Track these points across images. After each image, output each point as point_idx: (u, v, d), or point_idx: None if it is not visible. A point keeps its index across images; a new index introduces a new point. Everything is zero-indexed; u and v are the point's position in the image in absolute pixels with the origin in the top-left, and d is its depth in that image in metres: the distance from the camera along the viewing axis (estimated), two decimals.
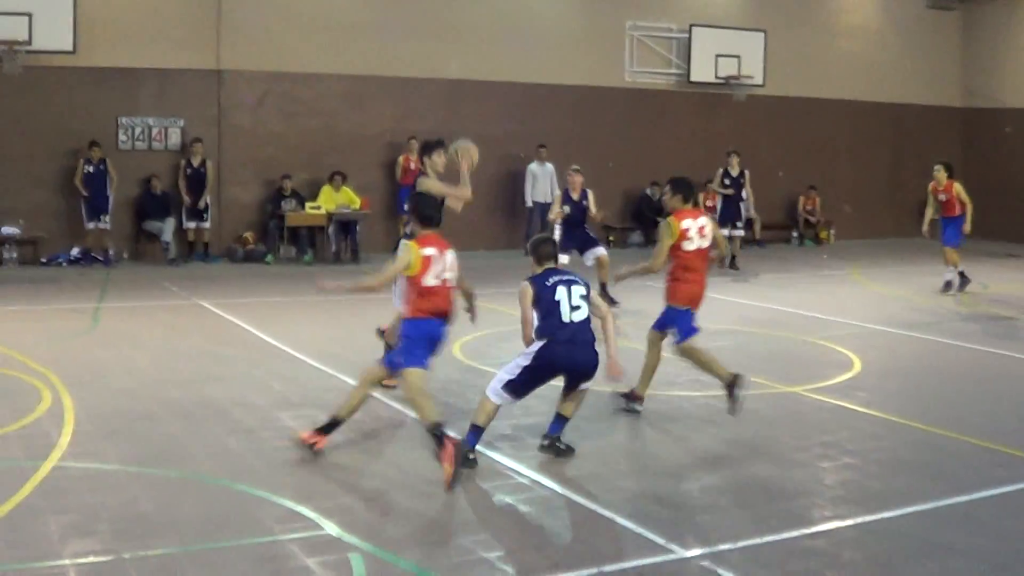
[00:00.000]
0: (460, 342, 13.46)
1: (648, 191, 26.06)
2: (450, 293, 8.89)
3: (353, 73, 23.58)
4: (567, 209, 17.27)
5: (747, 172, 23.34)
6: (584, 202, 17.51)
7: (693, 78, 26.69)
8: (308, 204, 22.61)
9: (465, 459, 8.40)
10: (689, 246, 10.21)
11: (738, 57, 26.81)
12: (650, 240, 25.84)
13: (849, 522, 7.81)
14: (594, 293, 9.04)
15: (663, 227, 10.32)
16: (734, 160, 23.13)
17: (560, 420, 9.16)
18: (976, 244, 28.09)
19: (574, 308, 8.72)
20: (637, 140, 26.34)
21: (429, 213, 9.05)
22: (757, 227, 26.81)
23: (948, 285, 19.34)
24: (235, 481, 8.41)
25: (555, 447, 9.10)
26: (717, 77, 26.79)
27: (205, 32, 22.35)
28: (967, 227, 19.04)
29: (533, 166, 24.27)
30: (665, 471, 9.10)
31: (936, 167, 19.81)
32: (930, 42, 31.33)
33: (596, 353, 8.80)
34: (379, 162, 23.71)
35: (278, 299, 11.63)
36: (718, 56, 26.65)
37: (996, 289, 20.63)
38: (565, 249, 16.53)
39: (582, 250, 17.23)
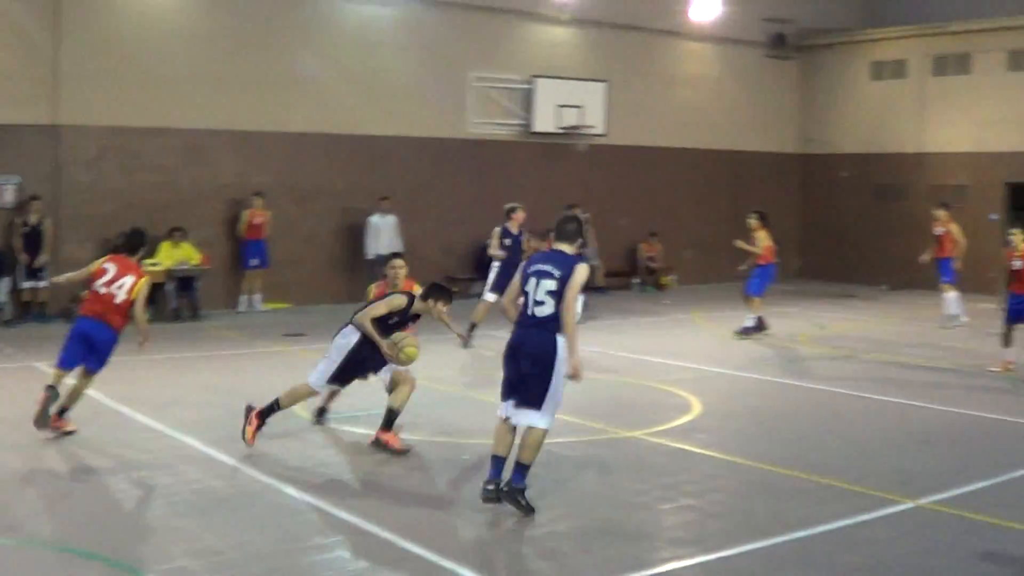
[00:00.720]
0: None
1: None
2: (111, 302, 11.34)
3: (194, 127, 23.27)
4: (508, 243, 18.86)
5: (588, 219, 23.91)
6: (521, 238, 18.96)
7: (536, 128, 27.08)
8: (147, 261, 21.94)
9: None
10: None
11: (580, 107, 27.30)
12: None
13: (688, 562, 8.05)
14: (573, 286, 8.82)
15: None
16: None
17: (519, 468, 8.99)
18: (813, 286, 29.39)
19: (537, 303, 8.87)
20: (481, 191, 26.48)
21: (124, 242, 12.08)
22: (599, 274, 27.09)
23: (747, 331, 19.74)
24: (66, 545, 8.27)
25: (516, 500, 8.93)
26: (559, 127, 27.19)
27: (42, 87, 21.90)
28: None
29: (374, 218, 24.26)
30: (508, 516, 9.13)
31: (749, 215, 21.09)
32: (768, 90, 32.42)
33: (545, 345, 8.81)
34: (221, 217, 23.35)
35: (114, 358, 11.56)
36: (560, 106, 27.08)
37: (834, 329, 21.44)
38: (499, 288, 17.31)
39: (496, 288, 18.25)
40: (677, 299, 26.74)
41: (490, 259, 19.19)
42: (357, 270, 24.37)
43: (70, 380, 11.68)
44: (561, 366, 8.91)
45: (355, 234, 24.50)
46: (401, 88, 25.30)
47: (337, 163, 24.67)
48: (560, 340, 8.88)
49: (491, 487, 8.98)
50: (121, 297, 11.48)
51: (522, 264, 9.27)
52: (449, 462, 10.91)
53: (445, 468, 10.72)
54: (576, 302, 9.00)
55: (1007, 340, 16.35)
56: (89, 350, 11.51)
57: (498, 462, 9.08)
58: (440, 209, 25.91)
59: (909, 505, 9.49)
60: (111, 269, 11.56)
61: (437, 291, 11.07)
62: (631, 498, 9.66)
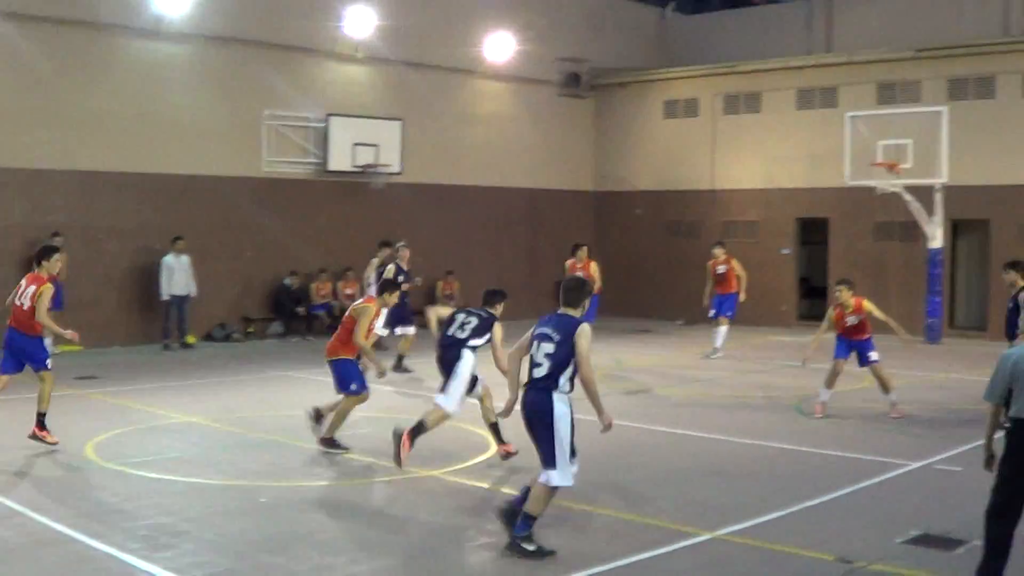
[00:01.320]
0: (94, 441, 13.81)
1: (287, 281, 27.09)
2: (18, 313, 13.53)
3: None
4: (417, 281, 21.63)
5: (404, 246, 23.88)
6: (409, 273, 21.76)
7: (331, 167, 27.90)
8: None
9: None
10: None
11: (375, 146, 28.32)
12: (290, 331, 27.14)
13: None
14: (583, 344, 9.66)
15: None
16: (406, 253, 22.71)
17: (523, 518, 9.58)
18: (609, 321, 30.13)
19: (536, 365, 9.73)
20: (275, 230, 27.23)
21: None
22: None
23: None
24: None
25: (517, 547, 9.52)
26: (355, 165, 28.08)
27: None
28: None
29: (169, 258, 24.58)
30: (305, 560, 9.44)
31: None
32: (564, 129, 34.25)
33: (542, 404, 9.60)
34: (12, 259, 22.98)
35: None
36: (355, 145, 28.07)
37: (630, 364, 22.77)
38: (389, 324, 19.56)
39: (396, 323, 20.37)
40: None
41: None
42: (152, 311, 24.83)
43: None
44: (560, 422, 9.59)
45: (149, 274, 24.82)
46: (194, 126, 25.78)
47: (130, 202, 24.97)
48: (555, 396, 9.58)
49: (505, 507, 9.88)
50: (27, 304, 13.52)
51: (533, 328, 10.06)
52: (250, 505, 11.09)
53: (241, 513, 10.87)
54: (585, 360, 9.72)
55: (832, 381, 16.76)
56: (19, 355, 13.73)
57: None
58: (236, 248, 26.54)
59: (706, 537, 10.05)
60: (23, 283, 13.83)
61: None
62: (428, 538, 10.10)
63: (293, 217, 27.85)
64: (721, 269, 24.59)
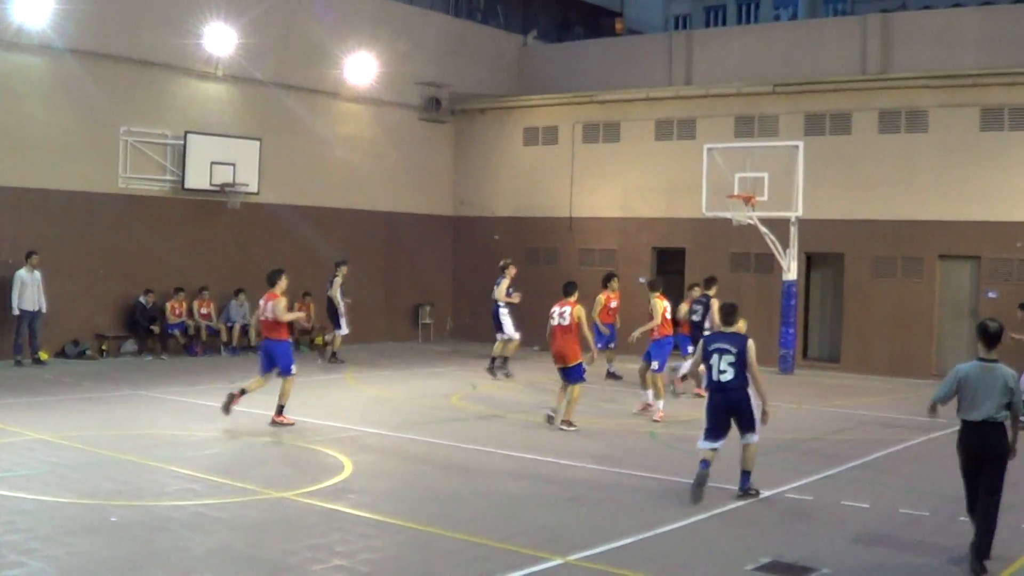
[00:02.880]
0: None
1: (142, 299, 26.62)
2: None
3: None
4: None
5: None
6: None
7: (188, 185, 27.56)
8: None
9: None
10: None
11: (233, 165, 28.12)
12: (144, 349, 26.58)
13: None
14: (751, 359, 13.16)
15: None
16: (343, 269, 26.35)
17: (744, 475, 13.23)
18: (466, 346, 31.12)
19: (721, 371, 13.13)
20: (131, 247, 26.86)
21: None
22: (252, 333, 26.88)
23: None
24: None
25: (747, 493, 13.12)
26: (212, 184, 27.81)
27: None
28: None
29: (22, 272, 24.16)
30: None
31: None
32: (424, 153, 34.25)
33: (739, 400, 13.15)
34: None
35: None
36: (213, 163, 27.81)
37: (484, 389, 22.85)
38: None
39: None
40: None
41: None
42: (5, 324, 24.35)
43: None
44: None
45: (2, 289, 24.35)
46: (49, 140, 25.35)
47: None
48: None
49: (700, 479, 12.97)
50: None
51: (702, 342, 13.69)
52: (101, 524, 10.93)
53: (91, 532, 10.71)
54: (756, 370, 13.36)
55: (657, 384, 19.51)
56: None
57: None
58: (91, 265, 26.11)
59: (558, 562, 10.11)
60: None
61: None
62: (281, 559, 9.94)
63: (149, 234, 27.48)
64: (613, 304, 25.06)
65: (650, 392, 19.84)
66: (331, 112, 32.05)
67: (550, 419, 18.01)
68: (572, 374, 17.96)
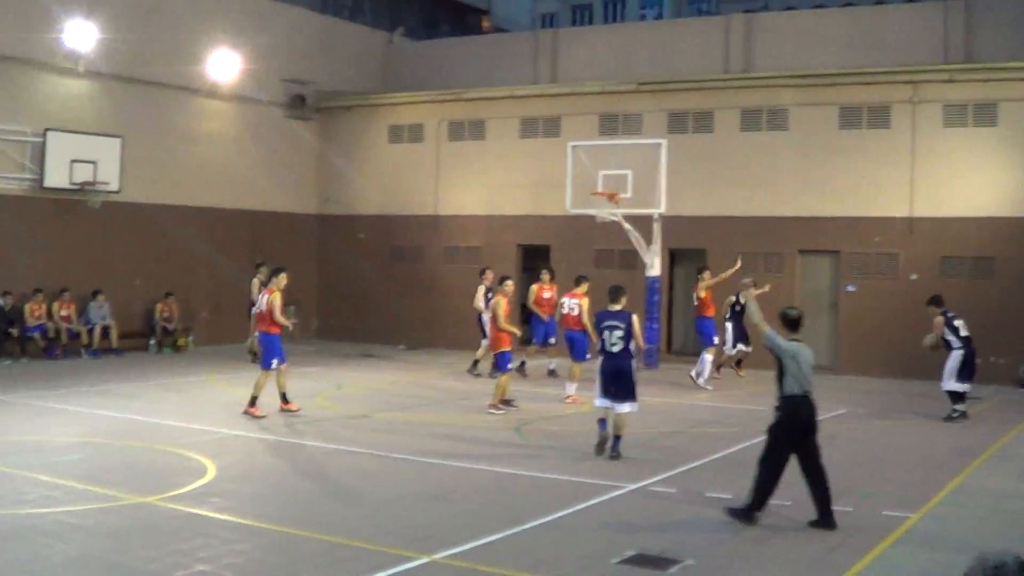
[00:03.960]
0: None
1: (0, 301, 26.09)
2: None
3: None
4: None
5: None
6: (490, 294, 23.85)
7: (47, 184, 27.01)
8: None
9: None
10: None
11: (94, 163, 27.61)
12: (2, 353, 25.98)
13: None
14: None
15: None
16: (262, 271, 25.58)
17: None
18: (332, 346, 31.11)
19: (612, 344, 15.52)
20: None
21: None
22: (114, 335, 27.74)
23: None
24: None
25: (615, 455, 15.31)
26: (72, 183, 27.26)
27: None
28: None
29: None
30: None
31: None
32: (288, 151, 34.09)
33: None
34: None
35: None
36: (73, 161, 27.28)
37: (351, 389, 22.82)
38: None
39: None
40: (194, 360, 27.45)
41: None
42: None
43: None
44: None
45: None
46: None
47: None
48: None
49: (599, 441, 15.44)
50: None
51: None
52: None
53: None
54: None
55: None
56: None
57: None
58: None
59: (424, 560, 10.12)
60: None
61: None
62: (143, 565, 9.80)
63: (7, 235, 26.88)
64: (702, 294, 24.85)
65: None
66: (195, 109, 31.61)
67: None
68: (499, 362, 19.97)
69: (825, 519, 11.68)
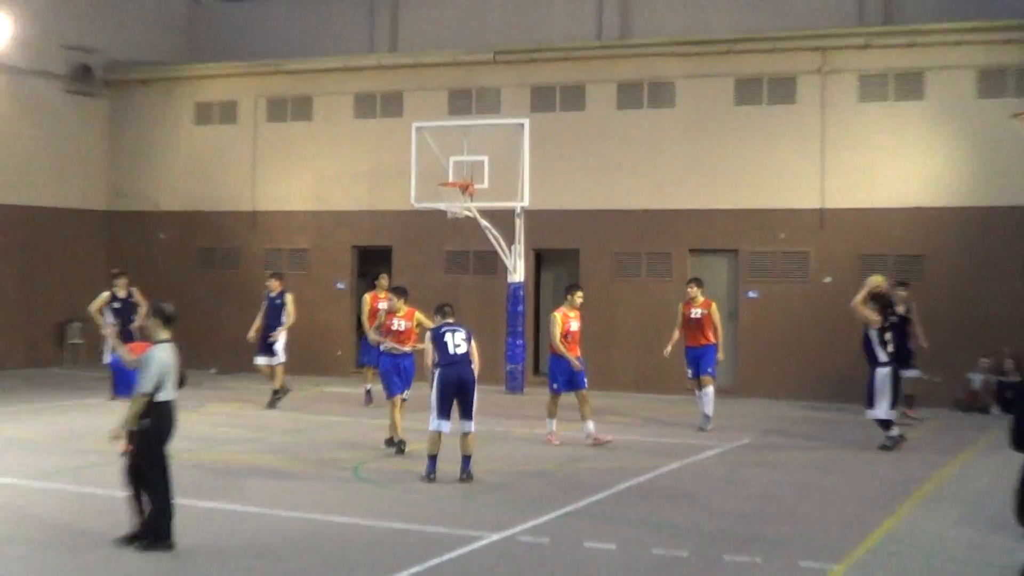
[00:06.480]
0: None
1: None
2: None
3: None
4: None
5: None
6: (279, 301, 24.82)
7: None
8: None
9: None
10: None
11: None
12: None
13: None
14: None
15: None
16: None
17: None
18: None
19: (456, 345, 16.14)
20: None
21: None
22: None
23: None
24: None
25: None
26: None
27: None
28: None
29: None
30: None
31: None
32: (71, 133, 33.29)
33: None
34: None
35: None
36: None
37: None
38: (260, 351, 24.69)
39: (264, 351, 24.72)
40: None
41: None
42: None
43: None
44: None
45: None
46: None
47: None
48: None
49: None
50: None
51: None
52: None
53: None
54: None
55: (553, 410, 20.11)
56: None
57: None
58: None
59: None
60: None
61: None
62: None
63: None
64: (697, 313, 22.40)
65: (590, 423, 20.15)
66: None
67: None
68: None
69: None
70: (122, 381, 18.87)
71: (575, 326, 20.30)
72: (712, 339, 22.18)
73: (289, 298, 24.96)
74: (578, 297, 20.57)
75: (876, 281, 20.58)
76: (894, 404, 19.92)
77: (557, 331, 20.02)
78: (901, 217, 26.79)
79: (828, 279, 27.07)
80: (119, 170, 34.78)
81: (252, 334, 24.90)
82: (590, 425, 19.90)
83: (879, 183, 27.02)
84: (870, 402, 19.83)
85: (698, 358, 22.14)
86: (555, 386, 20.14)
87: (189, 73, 34.16)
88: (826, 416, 24.31)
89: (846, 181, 27.26)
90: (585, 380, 20.10)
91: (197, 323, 32.12)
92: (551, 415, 20.22)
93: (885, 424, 19.80)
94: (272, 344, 24.62)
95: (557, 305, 23.81)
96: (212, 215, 33.45)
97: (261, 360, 24.77)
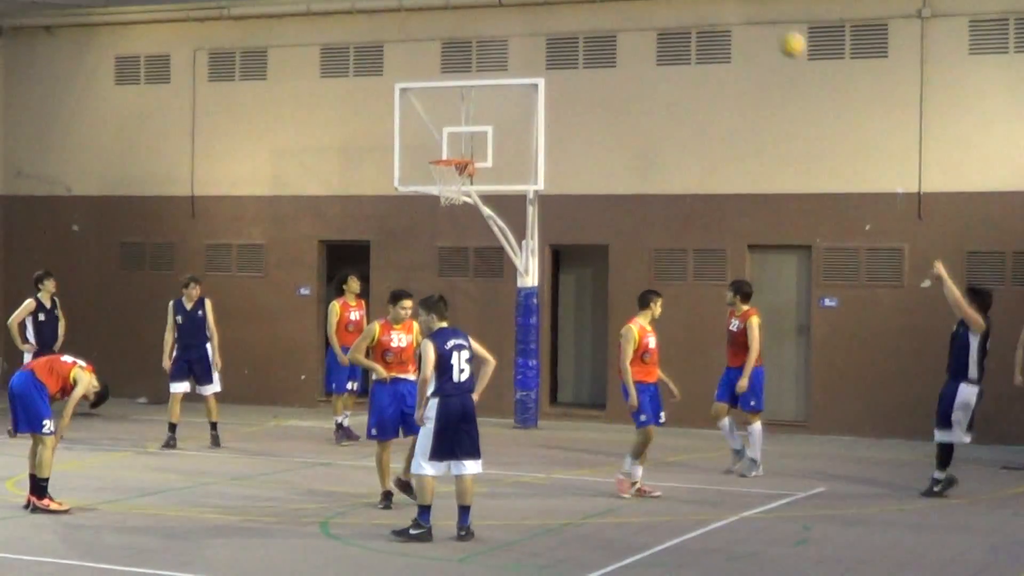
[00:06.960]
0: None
1: None
2: None
3: None
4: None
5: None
6: (200, 312, 25.41)
7: None
8: None
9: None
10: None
11: None
12: None
13: None
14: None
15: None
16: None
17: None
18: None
19: (461, 371, 16.28)
20: None
21: None
22: None
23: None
24: None
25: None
26: None
27: None
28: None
29: None
30: None
31: None
32: None
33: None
34: None
35: None
36: None
37: (56, 467, 20.93)
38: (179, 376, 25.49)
39: (200, 380, 25.36)
40: None
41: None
42: None
43: None
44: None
45: None
46: None
47: None
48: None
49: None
50: None
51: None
52: None
53: None
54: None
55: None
56: None
57: None
58: None
59: None
60: None
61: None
62: None
63: None
64: (735, 326, 22.44)
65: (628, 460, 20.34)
66: None
67: None
68: None
69: None
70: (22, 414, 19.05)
71: (653, 343, 20.23)
72: (756, 360, 22.06)
73: (209, 306, 25.42)
74: (659, 306, 20.51)
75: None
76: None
77: (631, 349, 19.93)
78: (1021, 203, 26.88)
79: (927, 283, 27.11)
80: (15, 143, 35.25)
81: (168, 361, 25.45)
82: (639, 471, 19.98)
83: (993, 160, 27.08)
84: (944, 421, 20.03)
85: (733, 382, 22.22)
86: (643, 418, 20.05)
87: (107, 18, 34.31)
88: (922, 456, 24.13)
89: (951, 158, 27.34)
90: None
91: (121, 338, 32.64)
92: (635, 456, 20.02)
93: (946, 458, 19.99)
94: (211, 369, 24.96)
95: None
96: (139, 201, 33.76)
97: (207, 390, 25.23)
